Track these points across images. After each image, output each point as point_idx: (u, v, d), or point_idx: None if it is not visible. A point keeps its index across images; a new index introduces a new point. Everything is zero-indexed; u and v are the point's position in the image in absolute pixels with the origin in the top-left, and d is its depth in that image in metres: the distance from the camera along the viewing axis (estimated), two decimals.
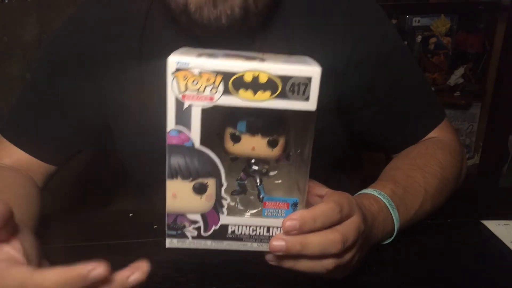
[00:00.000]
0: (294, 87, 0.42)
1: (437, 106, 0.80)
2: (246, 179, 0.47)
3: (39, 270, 0.39)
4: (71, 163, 0.80)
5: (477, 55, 1.99)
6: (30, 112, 0.75)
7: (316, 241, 0.45)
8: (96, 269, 0.37)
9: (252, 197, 0.48)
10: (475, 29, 1.99)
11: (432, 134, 0.77)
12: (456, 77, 1.97)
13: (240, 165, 0.47)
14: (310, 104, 0.43)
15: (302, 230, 0.44)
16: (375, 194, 0.60)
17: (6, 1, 1.32)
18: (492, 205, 0.78)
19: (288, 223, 0.44)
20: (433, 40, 1.94)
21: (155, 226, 0.67)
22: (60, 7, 1.34)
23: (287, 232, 0.44)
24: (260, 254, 0.47)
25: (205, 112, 0.42)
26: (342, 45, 0.72)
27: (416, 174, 0.67)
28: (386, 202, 0.59)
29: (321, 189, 0.49)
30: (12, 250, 0.42)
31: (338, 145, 0.82)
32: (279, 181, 0.49)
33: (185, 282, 0.57)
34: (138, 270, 0.39)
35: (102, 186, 1.16)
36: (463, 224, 0.69)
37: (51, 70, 0.74)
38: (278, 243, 0.44)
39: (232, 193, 0.46)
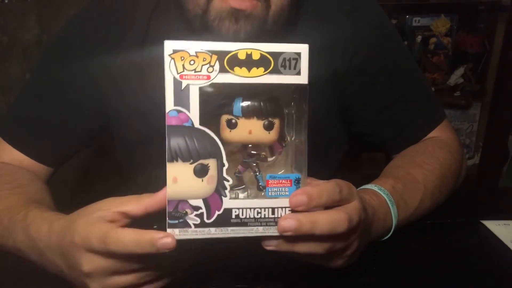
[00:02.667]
0: (285, 62, 0.44)
1: (437, 106, 0.80)
2: (245, 171, 0.47)
3: (120, 227, 0.45)
4: (71, 163, 0.80)
5: (477, 55, 1.98)
6: (29, 113, 0.74)
7: (324, 219, 0.44)
8: (166, 238, 0.42)
9: (251, 189, 0.47)
10: (475, 29, 1.99)
11: (432, 134, 0.77)
12: (456, 77, 1.97)
13: (237, 160, 0.47)
14: (302, 78, 0.45)
15: (309, 206, 0.44)
16: (375, 189, 0.60)
17: (6, 1, 1.32)
18: (492, 205, 0.78)
19: (296, 198, 0.44)
20: (433, 40, 1.93)
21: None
22: (60, 7, 1.35)
23: (295, 207, 0.44)
24: (260, 252, 0.46)
25: (204, 100, 0.43)
26: (344, 46, 0.72)
27: (416, 172, 0.67)
28: (386, 198, 0.59)
29: (319, 182, 0.49)
30: None
31: (338, 145, 0.82)
32: (281, 171, 0.48)
33: (185, 282, 0.57)
34: (169, 237, 0.43)
35: (102, 186, 1.16)
36: (463, 224, 0.69)
37: (50, 71, 0.74)
38: (288, 222, 0.43)
39: (231, 188, 0.46)
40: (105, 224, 0.45)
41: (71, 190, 1.22)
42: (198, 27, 0.64)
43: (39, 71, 0.77)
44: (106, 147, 0.85)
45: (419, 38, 1.92)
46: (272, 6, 0.63)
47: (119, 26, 0.72)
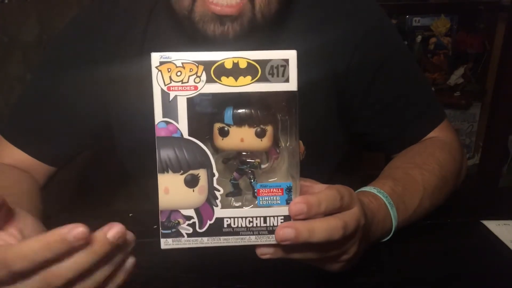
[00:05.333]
0: (273, 69, 0.43)
1: (437, 106, 0.80)
2: (240, 178, 0.47)
3: (19, 243, 0.38)
4: (71, 163, 0.80)
5: (477, 55, 1.98)
6: (31, 113, 0.75)
7: (322, 227, 0.44)
8: (75, 228, 0.37)
9: (247, 196, 0.47)
10: (475, 29, 1.99)
11: (432, 134, 0.77)
12: (456, 77, 1.97)
13: (233, 167, 0.47)
14: (291, 85, 0.44)
15: (309, 214, 0.44)
16: (374, 192, 0.60)
17: (6, 1, 1.32)
18: (492, 205, 0.78)
19: (296, 207, 0.43)
20: (433, 40, 1.94)
21: (155, 226, 0.67)
22: (60, 7, 1.35)
23: (295, 216, 0.44)
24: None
25: (192, 111, 0.43)
26: (344, 46, 0.72)
27: (415, 172, 0.67)
28: (385, 200, 0.59)
29: (319, 187, 0.48)
30: (6, 236, 0.42)
31: (338, 146, 0.82)
32: (274, 179, 0.48)
33: (185, 282, 0.57)
34: (114, 226, 0.39)
35: (102, 186, 1.16)
36: (463, 224, 0.69)
37: (52, 70, 0.74)
38: (287, 231, 0.43)
39: (227, 195, 0.46)
40: None
41: (71, 190, 1.22)
42: (187, 28, 0.64)
43: (40, 72, 0.77)
44: (107, 147, 0.85)
45: (419, 38, 1.92)
46: (257, 0, 0.62)
47: (119, 27, 0.72)
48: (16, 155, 0.73)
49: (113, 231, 0.39)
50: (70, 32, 0.75)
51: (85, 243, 0.38)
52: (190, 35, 0.65)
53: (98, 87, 0.73)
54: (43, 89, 0.75)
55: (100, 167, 1.19)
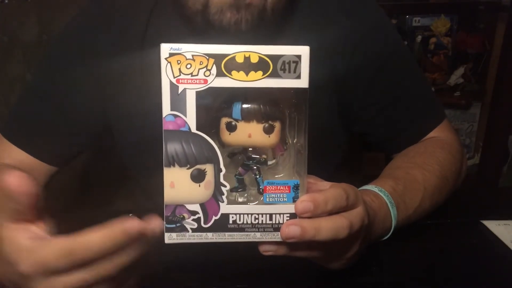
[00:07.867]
0: (285, 65, 0.43)
1: (437, 106, 0.80)
2: (245, 173, 0.46)
3: (81, 234, 0.39)
4: (71, 163, 0.80)
5: (477, 55, 1.98)
6: (32, 112, 0.74)
7: (328, 226, 0.44)
8: (134, 222, 0.39)
9: (252, 191, 0.47)
10: (475, 29, 1.99)
11: (432, 134, 0.77)
12: (456, 77, 1.97)
13: (238, 162, 0.47)
14: (302, 82, 0.43)
15: (315, 213, 0.43)
16: (375, 190, 0.60)
17: (6, 1, 1.32)
18: (492, 205, 0.78)
19: (302, 205, 0.43)
20: (433, 40, 1.93)
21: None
22: (60, 7, 1.35)
23: (301, 214, 0.43)
24: (260, 252, 0.46)
25: (201, 104, 0.42)
26: (344, 46, 0.72)
27: (416, 172, 0.67)
28: (386, 199, 0.59)
29: (324, 184, 0.48)
30: (38, 229, 0.42)
31: (338, 145, 0.82)
32: (280, 175, 0.48)
33: (185, 281, 0.57)
34: (153, 219, 0.41)
35: (102, 186, 1.16)
36: (463, 224, 0.69)
37: (52, 70, 0.74)
38: (292, 229, 0.43)
39: (232, 190, 0.45)
40: (58, 239, 0.39)
41: (71, 190, 1.22)
42: (199, 23, 0.65)
43: (41, 71, 0.77)
44: (107, 147, 0.85)
45: (419, 38, 1.92)
46: None
47: (119, 25, 0.72)
48: (16, 155, 0.73)
49: (154, 223, 0.41)
50: (69, 32, 0.75)
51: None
52: (199, 30, 0.65)
53: (98, 85, 0.73)
54: (43, 88, 0.75)
55: (100, 167, 1.18)
